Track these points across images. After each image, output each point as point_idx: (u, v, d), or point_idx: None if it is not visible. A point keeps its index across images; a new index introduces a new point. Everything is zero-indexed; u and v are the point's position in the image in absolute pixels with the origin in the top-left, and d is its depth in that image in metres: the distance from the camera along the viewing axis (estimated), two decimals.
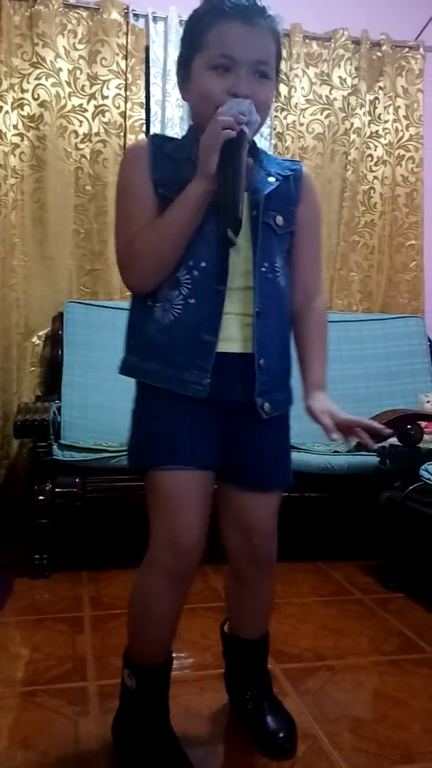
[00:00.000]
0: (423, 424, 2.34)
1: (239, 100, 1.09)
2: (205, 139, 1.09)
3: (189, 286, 1.15)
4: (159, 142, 1.21)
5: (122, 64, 2.87)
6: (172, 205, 1.13)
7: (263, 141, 2.99)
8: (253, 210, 1.17)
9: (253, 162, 1.20)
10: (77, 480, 2.30)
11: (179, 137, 1.27)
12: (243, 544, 1.29)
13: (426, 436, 2.35)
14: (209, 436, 1.19)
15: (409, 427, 2.24)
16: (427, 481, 2.12)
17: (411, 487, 2.15)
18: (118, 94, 2.88)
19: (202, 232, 1.14)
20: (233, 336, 1.17)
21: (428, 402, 2.76)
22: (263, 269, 1.18)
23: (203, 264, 1.14)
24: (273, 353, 1.21)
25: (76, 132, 2.86)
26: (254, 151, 1.23)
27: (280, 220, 1.20)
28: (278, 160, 1.30)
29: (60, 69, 2.81)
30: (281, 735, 1.31)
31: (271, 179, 1.22)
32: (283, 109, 3.07)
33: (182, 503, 1.16)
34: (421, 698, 1.52)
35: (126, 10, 2.87)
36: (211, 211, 1.12)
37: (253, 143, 1.22)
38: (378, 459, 2.33)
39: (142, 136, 2.91)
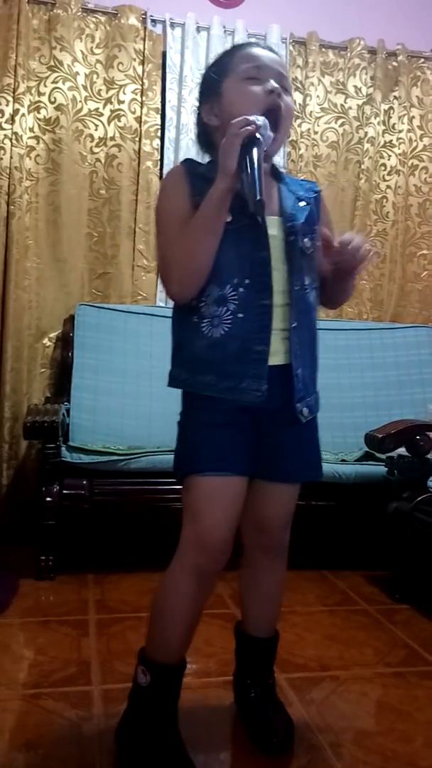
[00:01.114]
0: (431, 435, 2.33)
1: (256, 117, 1.16)
2: (224, 143, 1.15)
3: (236, 302, 1.21)
4: (192, 164, 1.30)
5: (139, 69, 2.89)
6: (197, 211, 1.20)
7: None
8: (291, 236, 1.25)
9: (278, 182, 1.32)
10: (85, 482, 2.30)
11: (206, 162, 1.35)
12: (257, 533, 1.36)
13: None
14: (247, 444, 1.26)
15: (417, 437, 2.24)
16: None
17: (419, 498, 2.14)
18: (134, 99, 2.89)
19: (240, 252, 1.21)
20: (276, 349, 1.25)
21: None
22: (296, 287, 1.26)
23: (247, 281, 1.22)
24: (306, 363, 1.29)
25: (91, 136, 2.87)
26: (278, 174, 1.35)
27: (307, 242, 1.28)
28: (299, 181, 1.40)
29: (77, 73, 2.83)
30: (278, 734, 1.34)
31: (302, 203, 1.31)
32: (297, 117, 3.08)
33: (212, 506, 1.23)
34: (426, 711, 1.51)
35: (144, 16, 2.89)
36: (250, 230, 1.20)
37: (276, 169, 1.34)
38: (386, 469, 2.32)
39: (156, 141, 2.93)
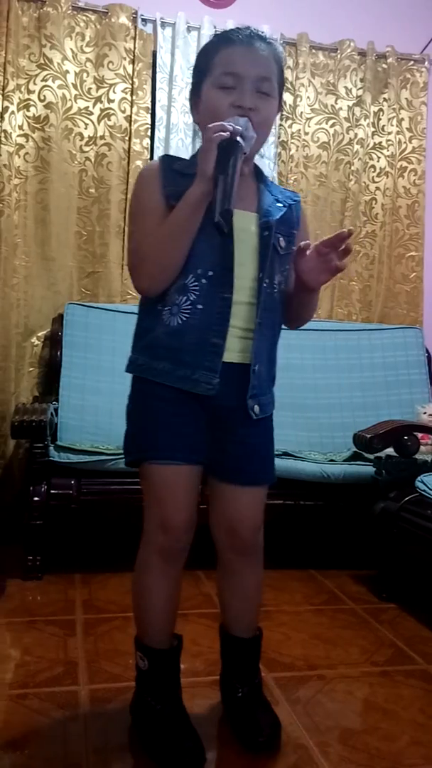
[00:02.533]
0: (419, 435, 2.34)
1: (236, 118, 1.19)
2: (202, 147, 1.18)
3: (197, 293, 1.23)
4: (168, 160, 1.31)
5: (129, 68, 2.89)
6: (174, 209, 1.21)
7: (270, 147, 3.00)
8: (265, 231, 1.27)
9: (259, 182, 1.33)
10: (73, 482, 2.29)
11: (187, 158, 1.36)
12: (229, 535, 1.37)
13: (422, 448, 2.35)
14: (199, 434, 1.29)
15: (405, 438, 2.25)
16: (423, 492, 2.12)
17: (406, 498, 2.15)
18: (124, 98, 2.89)
19: (211, 243, 1.22)
20: (233, 347, 1.26)
21: (425, 413, 2.76)
22: (264, 284, 1.27)
23: (211, 273, 1.23)
24: (264, 360, 1.32)
25: (81, 134, 2.87)
26: (261, 176, 1.36)
27: (282, 242, 1.31)
28: (280, 188, 1.42)
29: (67, 71, 2.82)
30: (264, 733, 1.35)
31: (279, 205, 1.33)
32: (288, 118, 3.09)
33: (172, 492, 1.28)
34: (411, 710, 1.52)
35: (134, 15, 2.89)
36: (216, 224, 1.18)
37: (259, 170, 1.35)
38: (374, 469, 2.33)
39: (146, 140, 2.92)
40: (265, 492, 1.39)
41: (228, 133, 1.14)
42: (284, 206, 1.33)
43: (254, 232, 1.27)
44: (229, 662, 1.46)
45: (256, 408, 1.29)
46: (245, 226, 1.26)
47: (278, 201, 1.33)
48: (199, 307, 1.23)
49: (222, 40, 1.27)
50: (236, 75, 1.22)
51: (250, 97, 1.22)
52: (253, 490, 1.36)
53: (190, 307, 1.23)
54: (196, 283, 1.23)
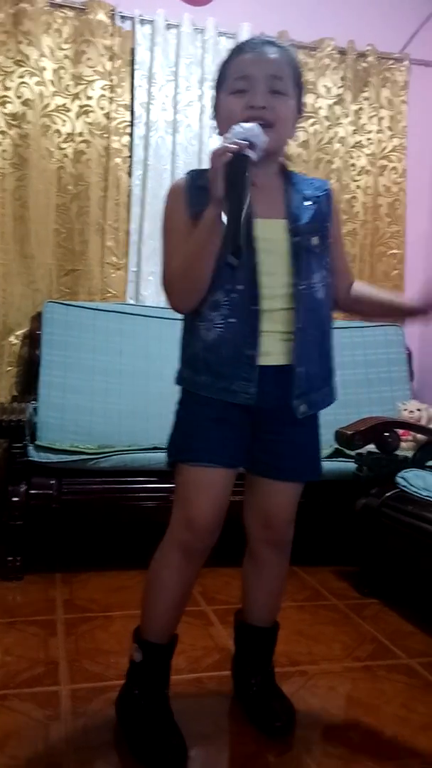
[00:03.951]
0: (400, 431, 2.36)
1: (244, 124, 1.17)
2: (209, 172, 1.17)
3: (228, 307, 1.26)
4: (195, 175, 1.32)
5: (108, 65, 2.87)
6: (194, 232, 1.23)
7: None
8: (296, 236, 1.28)
9: (285, 182, 1.33)
10: (53, 482, 2.27)
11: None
12: (262, 527, 1.41)
13: (403, 444, 2.37)
14: (239, 440, 1.32)
15: (386, 434, 2.26)
16: (403, 488, 2.13)
17: (387, 494, 2.16)
18: (103, 96, 2.87)
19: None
20: (272, 350, 1.28)
21: (405, 410, 2.78)
22: (302, 287, 1.28)
23: (240, 287, 1.26)
24: (313, 360, 1.33)
25: (59, 131, 2.84)
26: (288, 174, 1.36)
27: (315, 240, 1.31)
28: (309, 180, 1.41)
29: (44, 68, 2.80)
30: (282, 719, 1.40)
31: (308, 203, 1.32)
32: None
33: (201, 491, 1.31)
34: (393, 704, 1.53)
35: (113, 12, 2.87)
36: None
37: (285, 167, 1.35)
38: (355, 466, 2.34)
39: (126, 138, 2.91)
40: (301, 487, 1.42)
41: (230, 154, 1.13)
42: (313, 203, 1.32)
43: (284, 238, 1.28)
44: (244, 652, 1.51)
45: (302, 407, 1.31)
46: (272, 235, 1.27)
47: (306, 198, 1.32)
48: (232, 321, 1.26)
49: (234, 51, 1.30)
50: (247, 77, 1.24)
51: (262, 96, 1.23)
52: (293, 485, 1.40)
53: (222, 321, 1.26)
54: (226, 299, 1.26)
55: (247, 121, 1.19)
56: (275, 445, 1.35)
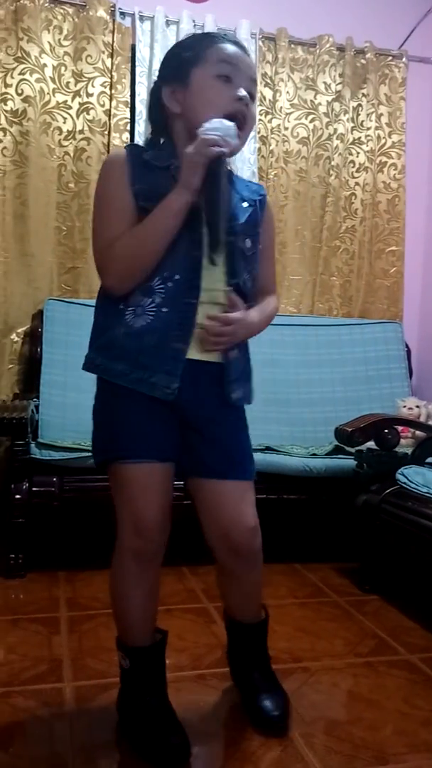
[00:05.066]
0: (399, 428, 2.37)
1: (223, 120, 1.17)
2: (192, 154, 1.15)
3: (162, 296, 1.22)
4: (136, 151, 1.27)
5: (108, 62, 2.86)
6: (152, 213, 1.19)
7: (250, 142, 3.00)
8: (231, 236, 1.25)
9: (229, 187, 1.30)
10: (55, 479, 2.28)
11: (151, 146, 1.33)
12: (222, 538, 1.34)
13: (402, 441, 2.38)
14: (166, 432, 1.27)
15: (386, 431, 2.27)
16: (403, 484, 2.14)
17: (387, 491, 2.17)
18: (103, 92, 2.87)
19: (177, 247, 1.21)
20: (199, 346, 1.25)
21: (405, 407, 2.80)
22: (231, 287, 1.27)
23: (177, 277, 1.22)
24: (240, 357, 1.32)
25: (59, 129, 2.84)
26: (229, 173, 1.31)
27: (248, 242, 1.30)
28: (246, 182, 1.39)
29: (45, 65, 2.80)
30: (275, 714, 1.38)
31: (245, 204, 1.32)
32: (267, 113, 3.09)
33: (142, 490, 1.25)
34: (394, 700, 1.54)
35: (113, 8, 2.87)
36: (187, 228, 1.20)
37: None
38: (355, 463, 2.35)
39: (126, 135, 2.91)
40: (251, 491, 1.35)
41: (220, 149, 1.14)
42: (250, 205, 1.32)
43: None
44: (236, 647, 1.49)
45: (235, 394, 1.30)
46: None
47: (244, 200, 1.32)
48: (164, 310, 1.21)
49: (207, 36, 1.27)
50: (236, 69, 1.21)
51: (244, 93, 1.22)
52: (234, 486, 1.32)
53: (154, 309, 1.21)
54: (162, 286, 1.21)
55: (232, 114, 1.19)
56: (204, 444, 1.30)
